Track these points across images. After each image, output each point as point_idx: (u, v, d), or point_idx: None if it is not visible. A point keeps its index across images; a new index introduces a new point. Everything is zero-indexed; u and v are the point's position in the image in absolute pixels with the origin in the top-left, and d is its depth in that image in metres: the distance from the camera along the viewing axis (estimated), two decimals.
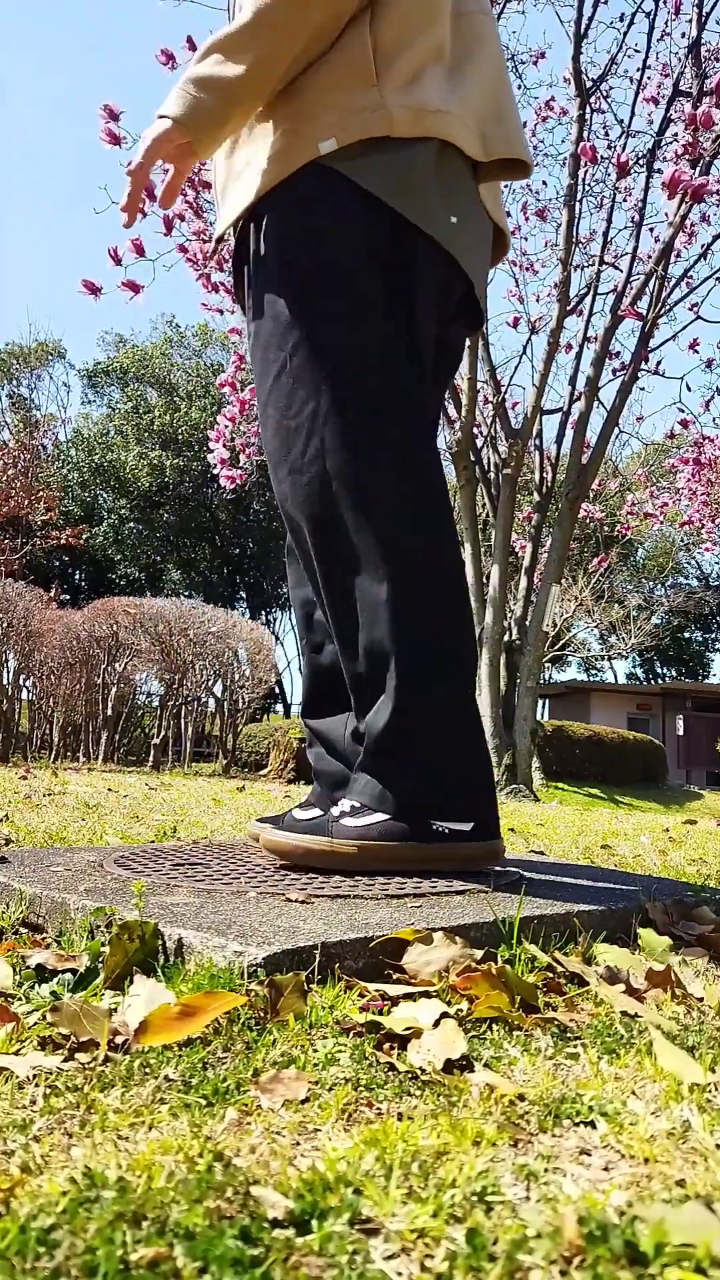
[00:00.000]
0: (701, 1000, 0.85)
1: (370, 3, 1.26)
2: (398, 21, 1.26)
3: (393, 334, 1.29)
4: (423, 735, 1.22)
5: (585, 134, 7.23)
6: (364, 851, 1.18)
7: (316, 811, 1.39)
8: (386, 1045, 0.69)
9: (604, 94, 7.46)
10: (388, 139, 1.24)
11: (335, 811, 1.24)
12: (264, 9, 1.19)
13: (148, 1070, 0.62)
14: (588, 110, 7.26)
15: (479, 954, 0.85)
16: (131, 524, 23.63)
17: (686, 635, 30.23)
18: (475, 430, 7.63)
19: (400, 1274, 0.39)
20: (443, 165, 1.29)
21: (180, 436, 23.23)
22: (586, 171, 7.65)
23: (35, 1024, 0.69)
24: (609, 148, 7.59)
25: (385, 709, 1.22)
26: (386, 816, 1.20)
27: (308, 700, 1.49)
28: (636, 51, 7.20)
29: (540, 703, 16.28)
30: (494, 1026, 0.74)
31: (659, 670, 31.37)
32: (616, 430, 7.55)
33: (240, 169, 1.33)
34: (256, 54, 1.20)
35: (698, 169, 5.74)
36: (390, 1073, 0.64)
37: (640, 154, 7.10)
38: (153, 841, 1.85)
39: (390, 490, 1.24)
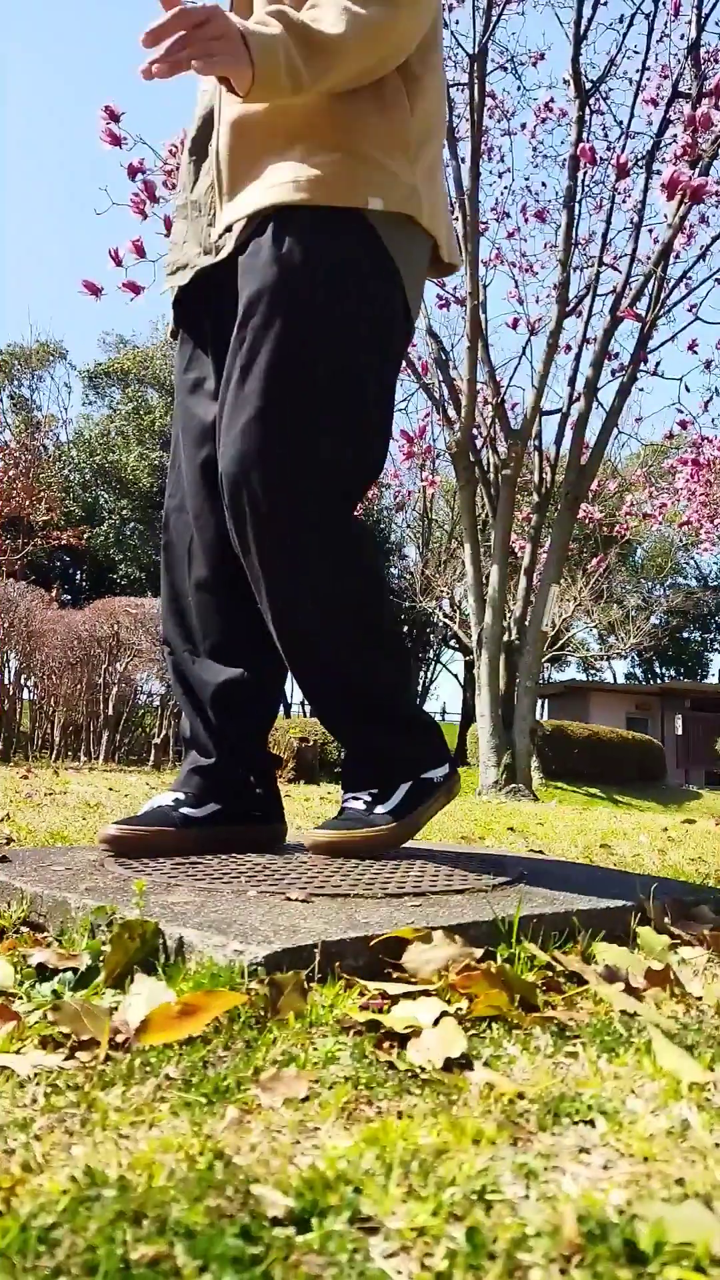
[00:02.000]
0: (700, 999, 0.85)
1: (408, 82, 1.33)
2: (426, 109, 1.36)
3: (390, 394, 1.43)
4: (393, 713, 1.41)
5: (584, 135, 7.23)
6: (401, 827, 1.35)
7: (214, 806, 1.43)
8: (386, 1044, 0.69)
9: (603, 95, 7.48)
10: (413, 221, 1.34)
11: (359, 806, 1.37)
12: (376, 27, 1.23)
13: (148, 1069, 0.62)
14: (587, 112, 7.27)
15: (478, 953, 0.85)
16: (133, 524, 23.62)
17: (685, 635, 30.22)
18: (475, 431, 7.64)
19: (400, 1272, 0.40)
20: (426, 265, 1.44)
21: None
22: (586, 173, 7.66)
23: (36, 1023, 0.70)
24: (608, 149, 7.60)
25: (362, 709, 1.39)
26: (406, 785, 1.37)
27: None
28: (636, 53, 7.22)
29: (539, 702, 16.29)
30: (493, 1025, 0.74)
31: (658, 670, 31.36)
32: (615, 431, 7.56)
33: (270, 165, 1.30)
34: (351, 68, 1.23)
35: (696, 170, 5.74)
36: (390, 1071, 0.64)
37: (639, 155, 7.11)
38: None
39: (336, 532, 1.34)
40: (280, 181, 1.28)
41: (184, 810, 1.37)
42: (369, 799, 1.37)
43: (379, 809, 1.36)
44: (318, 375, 1.27)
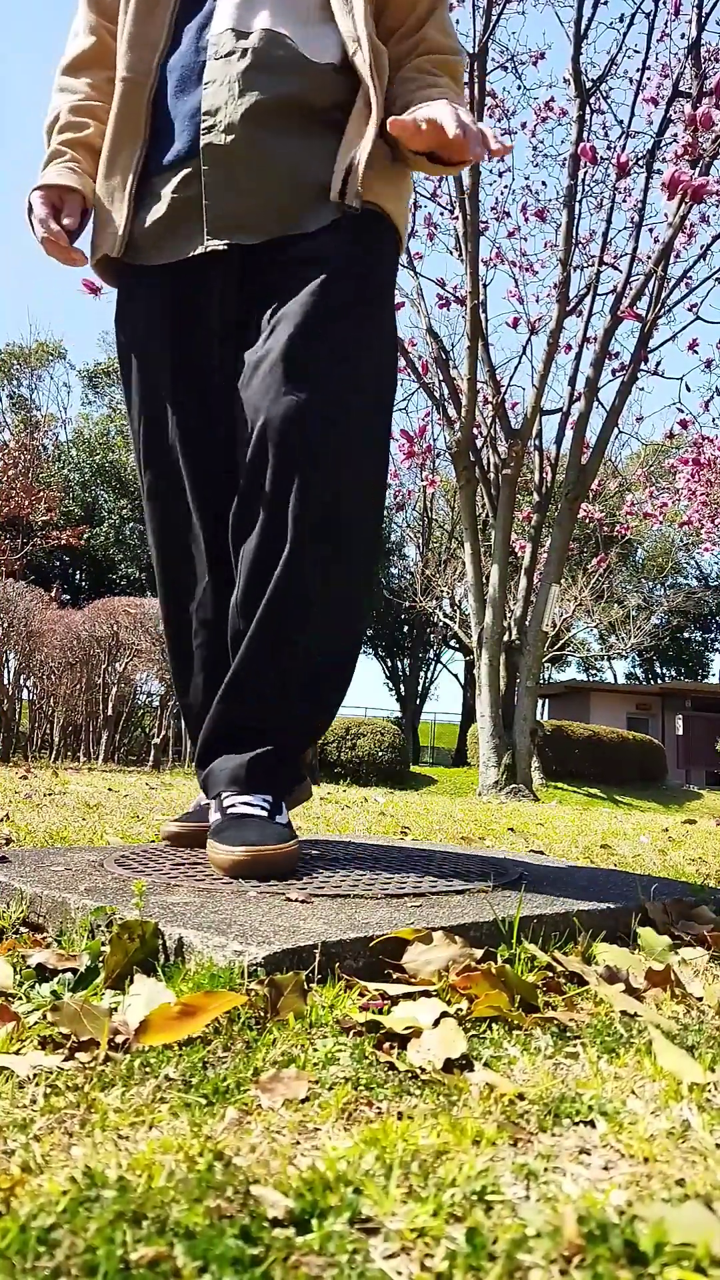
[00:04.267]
0: (701, 1000, 0.85)
1: None
2: None
3: None
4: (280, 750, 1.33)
5: (585, 134, 7.23)
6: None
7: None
8: (386, 1045, 0.69)
9: (604, 94, 7.48)
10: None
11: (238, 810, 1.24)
12: None
13: (148, 1069, 0.62)
14: (587, 111, 7.27)
15: (479, 953, 0.85)
16: (132, 524, 23.62)
17: (686, 635, 30.22)
18: (475, 431, 7.64)
19: (400, 1273, 0.40)
20: None
21: None
22: (586, 172, 7.66)
23: (36, 1023, 0.69)
24: (609, 148, 7.60)
25: (271, 730, 1.31)
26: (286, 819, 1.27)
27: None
28: (636, 52, 7.23)
29: (540, 703, 16.31)
30: (494, 1026, 0.74)
31: (658, 670, 31.37)
32: (616, 430, 7.56)
33: (348, 166, 1.34)
34: None
35: (697, 169, 5.74)
36: (390, 1072, 0.64)
37: (640, 154, 7.10)
38: (153, 841, 1.85)
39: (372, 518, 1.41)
40: (362, 190, 1.36)
41: None
42: (266, 806, 1.23)
43: (281, 819, 1.23)
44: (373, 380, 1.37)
